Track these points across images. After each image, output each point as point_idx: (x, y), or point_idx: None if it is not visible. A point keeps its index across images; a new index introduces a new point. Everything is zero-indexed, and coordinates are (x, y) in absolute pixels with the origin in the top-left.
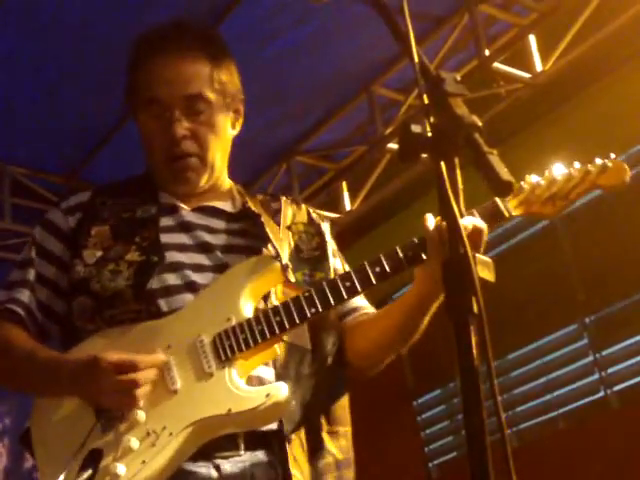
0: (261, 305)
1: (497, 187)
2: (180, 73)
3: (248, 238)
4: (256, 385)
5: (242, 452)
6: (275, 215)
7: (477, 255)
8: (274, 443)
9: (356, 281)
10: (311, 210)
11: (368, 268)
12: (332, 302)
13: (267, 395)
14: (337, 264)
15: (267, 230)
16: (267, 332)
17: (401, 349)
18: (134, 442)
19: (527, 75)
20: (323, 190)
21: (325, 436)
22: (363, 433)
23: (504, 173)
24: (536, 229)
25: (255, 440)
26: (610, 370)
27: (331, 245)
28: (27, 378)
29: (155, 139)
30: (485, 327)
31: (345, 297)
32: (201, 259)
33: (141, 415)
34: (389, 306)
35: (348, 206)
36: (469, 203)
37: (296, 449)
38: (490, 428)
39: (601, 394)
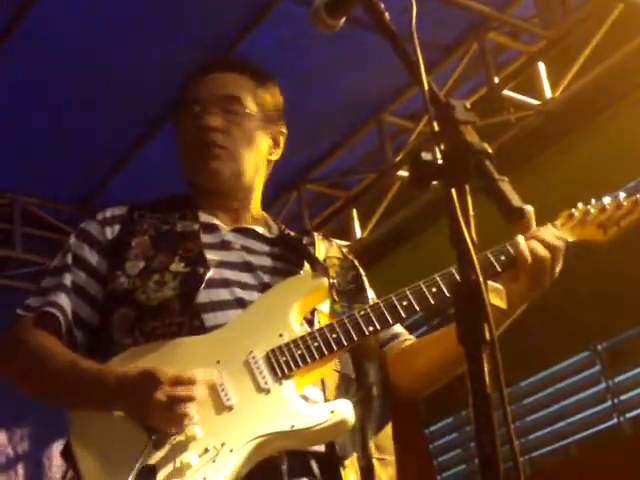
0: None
1: (508, 214)
2: (223, 79)
3: (289, 263)
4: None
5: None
6: (309, 247)
7: (489, 282)
8: (324, 469)
9: (413, 300)
10: (342, 246)
11: (424, 288)
12: (390, 320)
13: (332, 412)
14: (374, 295)
15: (310, 250)
16: (325, 349)
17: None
18: (193, 458)
19: (537, 102)
20: (333, 218)
21: (376, 462)
22: None
23: (515, 200)
24: None
25: (298, 468)
26: (623, 397)
27: (366, 278)
28: (68, 389)
29: (188, 133)
30: (497, 355)
31: (404, 316)
32: (246, 278)
33: (197, 431)
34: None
35: (359, 234)
36: (480, 229)
37: (351, 475)
38: (503, 456)
39: (614, 421)
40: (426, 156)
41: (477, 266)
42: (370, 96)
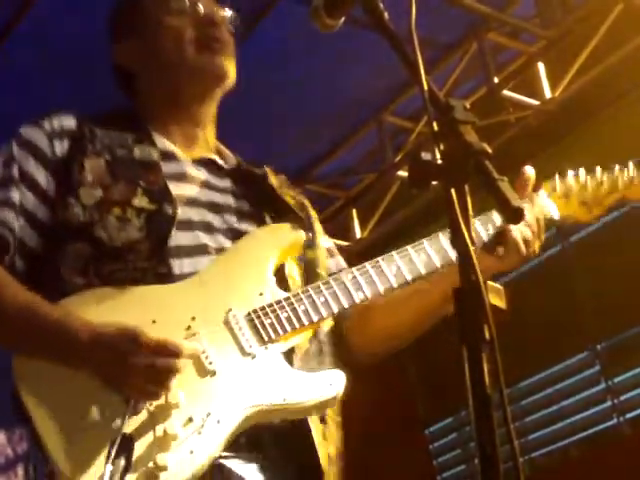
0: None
1: (508, 214)
2: None
3: (256, 205)
4: None
5: (268, 450)
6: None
7: (488, 282)
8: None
9: (404, 268)
10: (290, 184)
11: (413, 254)
12: (380, 288)
13: (330, 384)
14: (327, 243)
15: (281, 195)
16: (313, 314)
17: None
18: (178, 429)
19: (536, 102)
20: (333, 218)
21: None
22: (376, 462)
23: (514, 199)
24: (547, 255)
25: (281, 436)
26: (622, 397)
27: (317, 221)
28: (24, 335)
29: (184, 28)
30: (497, 355)
31: (394, 285)
32: (212, 219)
33: (180, 397)
34: (425, 286)
35: (358, 234)
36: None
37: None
38: (503, 456)
39: (613, 421)
40: (426, 156)
41: (477, 266)
42: (370, 96)
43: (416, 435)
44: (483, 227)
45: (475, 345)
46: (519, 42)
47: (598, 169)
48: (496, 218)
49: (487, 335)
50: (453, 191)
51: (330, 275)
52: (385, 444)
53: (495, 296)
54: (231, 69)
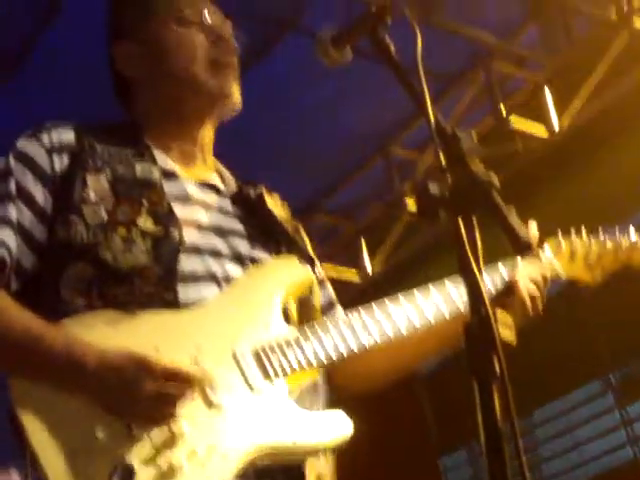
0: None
1: (516, 245)
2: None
3: (259, 231)
4: None
5: (276, 475)
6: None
7: (498, 314)
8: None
9: (414, 315)
10: (282, 202)
11: (422, 302)
12: (390, 335)
13: (338, 427)
14: (321, 272)
15: (281, 222)
16: (322, 355)
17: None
18: (183, 461)
19: (544, 131)
20: (342, 250)
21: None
22: None
23: (522, 231)
24: (558, 284)
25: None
26: (637, 427)
27: (310, 246)
28: (24, 359)
29: (198, 41)
30: (508, 389)
31: (404, 331)
32: (216, 242)
33: (185, 427)
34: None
35: (368, 265)
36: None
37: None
38: None
39: (628, 451)
40: (433, 187)
41: (486, 299)
42: (376, 128)
43: (430, 467)
44: (491, 280)
45: (486, 379)
46: (525, 71)
47: (600, 231)
48: (502, 270)
49: (497, 369)
50: (461, 222)
51: (322, 309)
52: (397, 474)
53: (505, 329)
54: (238, 95)
